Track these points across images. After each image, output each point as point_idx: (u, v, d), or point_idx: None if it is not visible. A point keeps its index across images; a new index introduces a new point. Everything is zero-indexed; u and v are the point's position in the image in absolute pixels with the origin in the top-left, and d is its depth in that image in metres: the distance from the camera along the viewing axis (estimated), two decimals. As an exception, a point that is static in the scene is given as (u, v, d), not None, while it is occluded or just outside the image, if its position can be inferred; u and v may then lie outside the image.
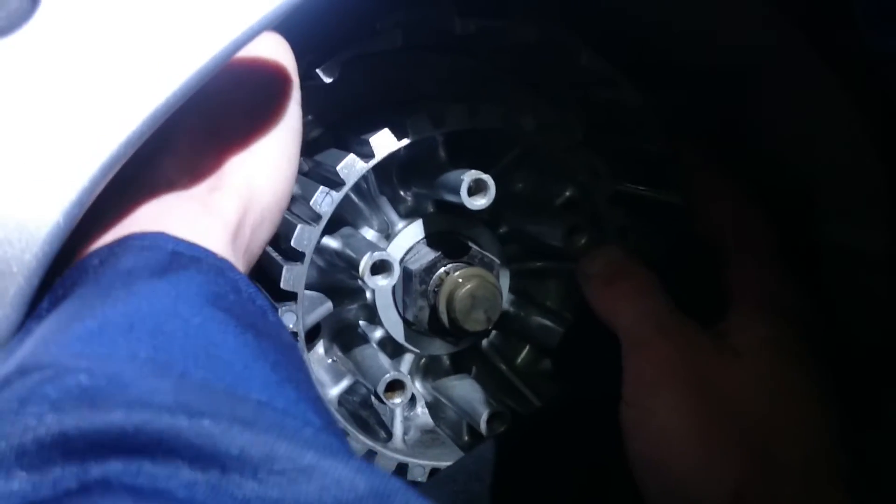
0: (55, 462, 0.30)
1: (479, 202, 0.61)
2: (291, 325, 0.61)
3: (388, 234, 0.69)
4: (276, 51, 0.52)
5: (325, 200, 0.60)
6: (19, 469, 0.30)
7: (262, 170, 0.50)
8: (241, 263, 0.48)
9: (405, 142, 0.61)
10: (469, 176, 0.61)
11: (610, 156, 0.70)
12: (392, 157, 0.62)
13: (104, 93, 0.39)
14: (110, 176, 0.39)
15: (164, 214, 0.45)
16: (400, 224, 0.69)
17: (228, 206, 0.47)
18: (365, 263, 0.60)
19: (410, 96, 0.69)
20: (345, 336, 0.71)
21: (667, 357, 0.55)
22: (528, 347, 0.76)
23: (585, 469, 0.60)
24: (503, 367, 0.75)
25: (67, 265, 0.42)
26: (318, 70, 0.60)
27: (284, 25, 0.46)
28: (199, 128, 0.49)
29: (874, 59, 0.42)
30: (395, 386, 0.64)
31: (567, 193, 0.72)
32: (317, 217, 0.60)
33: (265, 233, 0.52)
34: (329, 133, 0.69)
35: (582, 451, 0.61)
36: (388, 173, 0.69)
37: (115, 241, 0.42)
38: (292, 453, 0.32)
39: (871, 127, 0.56)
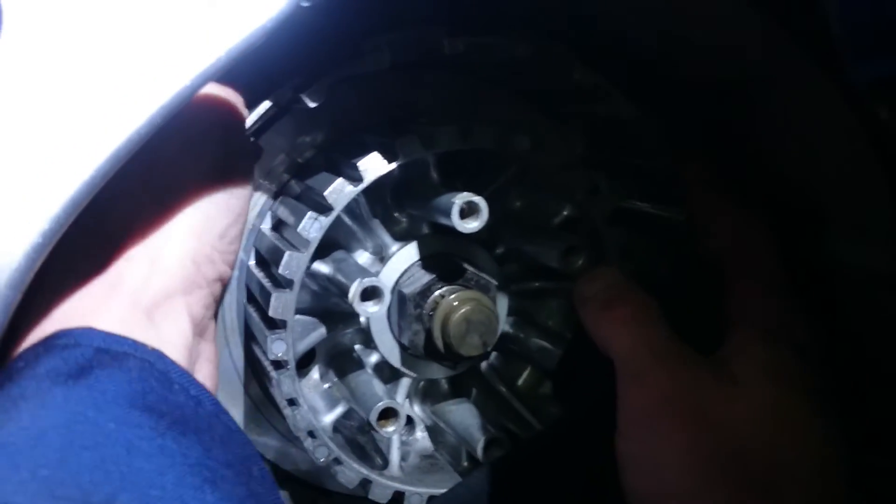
0: None
1: (472, 225, 0.59)
2: (281, 353, 0.60)
3: (382, 257, 0.68)
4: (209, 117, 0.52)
5: (313, 226, 0.59)
6: None
7: (177, 227, 0.50)
8: (177, 322, 0.47)
9: (395, 164, 0.60)
10: (460, 199, 0.59)
11: (611, 172, 0.69)
12: (384, 180, 0.61)
13: (64, 134, 0.38)
14: (71, 218, 0.38)
15: (72, 300, 0.45)
16: (394, 246, 0.68)
17: (133, 273, 0.47)
18: (354, 290, 0.58)
19: (405, 115, 0.68)
20: (340, 361, 0.70)
21: (663, 388, 0.54)
22: (529, 369, 0.75)
23: (580, 498, 0.58)
24: (503, 389, 0.74)
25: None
26: (302, 95, 0.59)
27: (269, 49, 0.45)
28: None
29: (855, 85, 0.40)
30: (388, 414, 0.62)
31: (565, 213, 0.70)
32: (305, 243, 0.59)
33: (209, 271, 0.52)
34: (321, 155, 0.68)
35: (576, 480, 0.59)
36: (382, 195, 0.67)
37: (41, 339, 0.42)
38: None
39: (875, 143, 0.54)
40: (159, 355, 0.44)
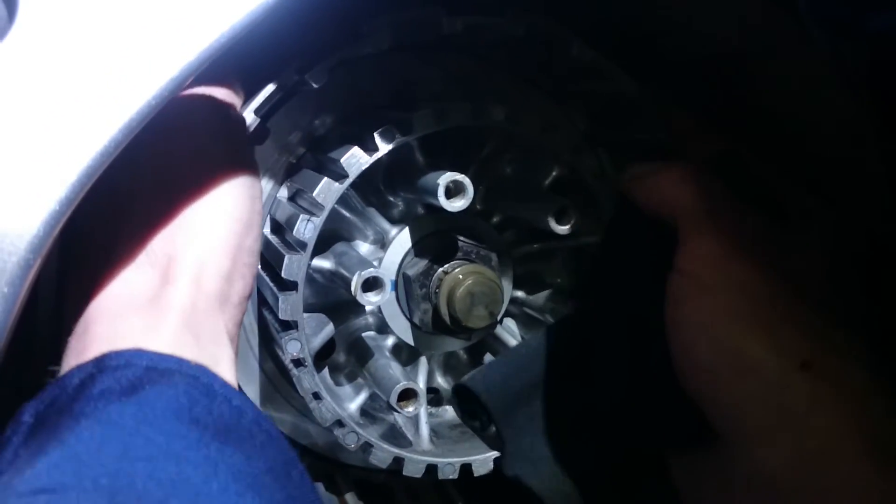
0: None
1: (458, 203, 0.61)
2: (296, 353, 0.63)
3: (383, 243, 0.70)
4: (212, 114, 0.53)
5: (307, 228, 0.61)
6: None
7: (212, 247, 0.51)
8: (221, 337, 0.50)
9: (377, 155, 0.61)
10: (444, 179, 0.60)
11: (613, 147, 0.70)
12: (371, 169, 0.62)
13: (78, 106, 0.40)
14: (87, 186, 0.40)
15: (123, 324, 0.48)
16: (393, 231, 0.69)
17: (183, 300, 0.49)
18: (355, 283, 0.60)
19: (405, 96, 0.70)
20: (359, 347, 0.72)
21: (739, 228, 0.53)
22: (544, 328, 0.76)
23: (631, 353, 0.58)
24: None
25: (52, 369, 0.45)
26: (306, 76, 0.61)
27: (268, 33, 0.46)
28: (139, 217, 0.51)
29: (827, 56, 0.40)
30: (408, 395, 0.64)
31: (554, 173, 0.71)
32: (302, 245, 0.61)
33: (239, 287, 0.54)
34: (309, 153, 0.69)
35: (626, 341, 0.59)
36: (373, 183, 0.69)
37: (93, 359, 0.45)
38: None
39: (868, 117, 0.54)
40: (203, 370, 0.47)
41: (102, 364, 0.45)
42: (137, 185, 0.52)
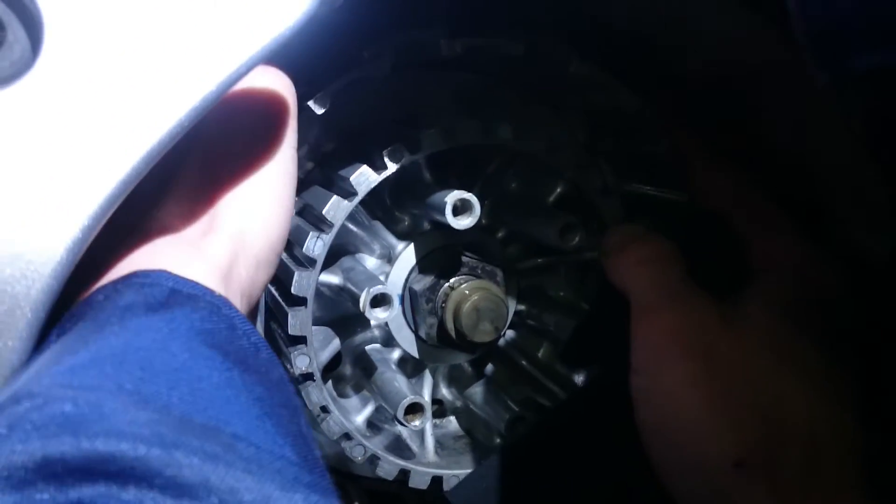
0: (36, 484, 0.32)
1: (465, 222, 0.62)
2: (304, 367, 0.64)
3: (389, 258, 0.71)
4: (271, 87, 0.53)
5: (316, 244, 0.62)
6: (3, 489, 0.32)
7: (255, 215, 0.51)
8: (237, 304, 0.50)
9: (386, 173, 0.62)
10: (452, 197, 0.61)
11: (613, 158, 0.71)
12: (380, 185, 0.63)
13: (101, 136, 0.41)
14: (108, 214, 0.41)
15: (158, 256, 0.47)
16: (400, 246, 0.70)
17: (219, 251, 0.49)
18: (364, 299, 0.61)
19: (411, 113, 0.70)
20: (365, 360, 0.73)
21: (675, 324, 0.55)
22: (546, 341, 0.77)
23: (606, 455, 0.60)
24: (524, 363, 0.76)
25: (73, 301, 0.44)
26: (309, 102, 0.61)
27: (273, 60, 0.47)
28: (194, 169, 0.51)
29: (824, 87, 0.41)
30: (415, 409, 0.65)
31: (559, 189, 0.72)
32: (312, 261, 0.62)
33: (262, 276, 0.54)
34: (318, 169, 0.70)
35: (600, 438, 0.61)
36: (380, 199, 0.70)
37: (119, 278, 0.45)
38: (255, 486, 0.35)
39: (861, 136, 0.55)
40: (226, 302, 0.46)
41: (129, 280, 0.44)
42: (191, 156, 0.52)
